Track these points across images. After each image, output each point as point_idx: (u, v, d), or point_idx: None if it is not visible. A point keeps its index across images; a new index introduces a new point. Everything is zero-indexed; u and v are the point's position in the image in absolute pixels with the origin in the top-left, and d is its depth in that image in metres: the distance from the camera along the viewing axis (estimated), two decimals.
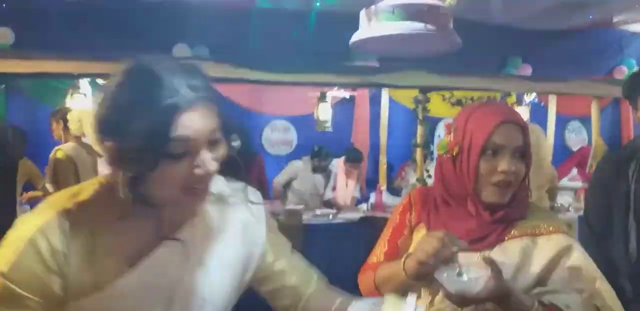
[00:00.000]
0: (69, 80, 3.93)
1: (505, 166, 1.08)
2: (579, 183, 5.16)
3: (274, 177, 4.73)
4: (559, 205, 4.49)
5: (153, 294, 0.79)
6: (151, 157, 0.72)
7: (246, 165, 3.90)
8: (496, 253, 1.07)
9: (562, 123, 6.27)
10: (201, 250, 0.85)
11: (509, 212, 1.12)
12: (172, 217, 0.83)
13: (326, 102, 4.46)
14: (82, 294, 0.75)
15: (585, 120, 6.14)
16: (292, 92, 4.95)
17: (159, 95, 0.72)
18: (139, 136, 0.71)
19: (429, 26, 2.08)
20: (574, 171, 5.33)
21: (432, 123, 5.15)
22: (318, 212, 4.20)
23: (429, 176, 4.10)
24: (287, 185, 4.63)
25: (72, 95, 3.91)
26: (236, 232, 0.90)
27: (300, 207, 4.11)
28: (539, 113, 5.35)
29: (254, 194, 0.96)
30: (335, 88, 4.41)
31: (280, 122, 5.68)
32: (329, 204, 4.68)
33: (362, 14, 2.21)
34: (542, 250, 1.09)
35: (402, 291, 1.12)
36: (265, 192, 4.72)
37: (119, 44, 4.21)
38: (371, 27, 2.16)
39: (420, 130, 4.08)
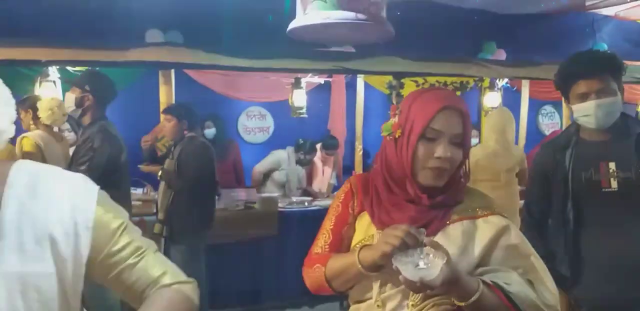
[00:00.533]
0: (38, 68, 3.85)
1: (441, 152, 1.11)
2: None
3: (251, 164, 4.73)
4: None
5: None
6: None
7: (221, 152, 3.90)
8: (440, 239, 1.10)
9: (535, 107, 6.36)
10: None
11: (446, 198, 1.16)
12: None
13: (301, 88, 4.45)
14: None
15: (558, 104, 6.25)
16: (267, 78, 4.93)
17: None
18: None
19: (360, 15, 2.16)
20: None
21: None
22: (294, 199, 4.22)
23: None
24: (267, 174, 4.61)
25: (40, 83, 3.84)
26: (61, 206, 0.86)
27: (276, 194, 4.13)
28: (511, 97, 5.42)
29: None
30: (310, 74, 4.39)
31: (256, 109, 5.65)
32: (306, 192, 4.71)
33: (298, 2, 2.27)
34: (482, 232, 1.13)
35: (355, 283, 1.14)
36: (241, 179, 4.72)
37: (91, 30, 4.15)
38: (305, 15, 2.23)
39: None
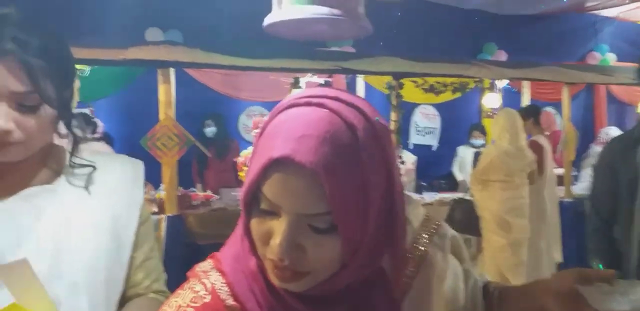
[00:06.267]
0: None
1: (276, 244, 0.57)
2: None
3: None
4: None
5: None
6: None
7: (221, 151, 3.93)
8: None
9: None
10: (52, 206, 0.85)
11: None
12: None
13: (300, 88, 4.44)
14: None
15: (560, 106, 6.24)
16: (267, 77, 4.93)
17: None
18: None
19: (335, 11, 2.10)
20: None
21: (407, 109, 5.18)
22: None
23: (402, 162, 4.14)
24: None
25: None
26: (100, 197, 0.90)
27: None
28: (512, 98, 5.41)
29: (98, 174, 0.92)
30: (309, 74, 4.40)
31: (257, 108, 5.66)
32: None
33: None
34: None
35: None
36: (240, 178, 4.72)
37: (90, 29, 4.16)
38: (280, 10, 2.19)
39: (393, 116, 4.10)
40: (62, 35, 0.84)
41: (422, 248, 0.71)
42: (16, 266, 0.75)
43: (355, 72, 4.09)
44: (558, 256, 3.95)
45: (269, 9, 4.48)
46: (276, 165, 0.54)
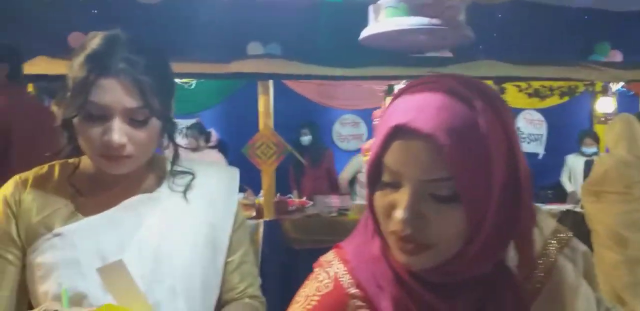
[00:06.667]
0: None
1: (400, 213, 0.58)
2: None
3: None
4: None
5: (101, 244, 0.86)
6: (74, 109, 0.81)
7: (316, 159, 4.03)
8: None
9: None
10: (154, 215, 0.90)
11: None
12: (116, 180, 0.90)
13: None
14: (33, 236, 0.86)
15: None
16: (361, 86, 4.96)
17: (92, 59, 0.81)
18: (70, 92, 0.82)
19: (434, 21, 2.03)
20: None
21: None
22: None
23: None
24: (353, 179, 4.60)
25: None
26: (198, 204, 0.94)
27: None
28: (629, 103, 4.97)
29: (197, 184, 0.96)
30: (403, 81, 4.35)
31: (350, 116, 5.70)
32: None
33: (370, 9, 2.17)
34: None
35: None
36: (335, 186, 4.76)
37: (198, 44, 4.45)
38: (378, 22, 2.15)
39: None
40: (163, 52, 0.90)
41: (552, 256, 0.68)
42: (113, 266, 0.80)
43: None
44: None
45: (363, 20, 4.53)
46: (396, 133, 0.57)
